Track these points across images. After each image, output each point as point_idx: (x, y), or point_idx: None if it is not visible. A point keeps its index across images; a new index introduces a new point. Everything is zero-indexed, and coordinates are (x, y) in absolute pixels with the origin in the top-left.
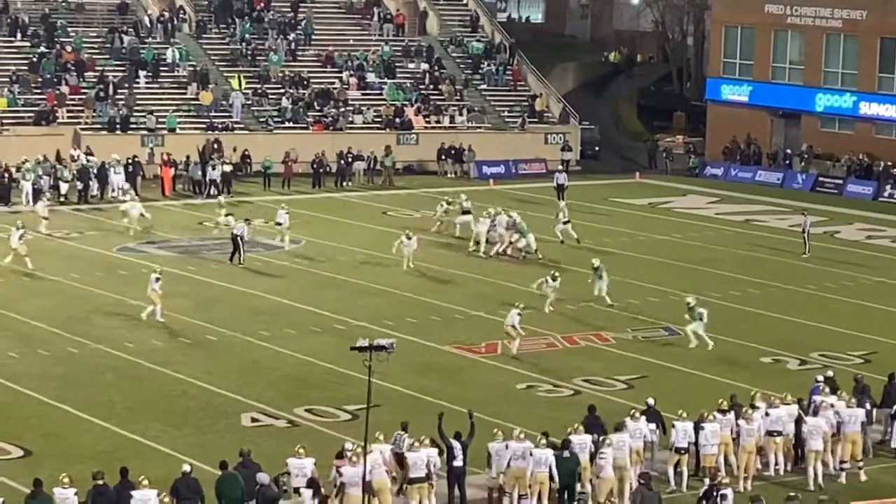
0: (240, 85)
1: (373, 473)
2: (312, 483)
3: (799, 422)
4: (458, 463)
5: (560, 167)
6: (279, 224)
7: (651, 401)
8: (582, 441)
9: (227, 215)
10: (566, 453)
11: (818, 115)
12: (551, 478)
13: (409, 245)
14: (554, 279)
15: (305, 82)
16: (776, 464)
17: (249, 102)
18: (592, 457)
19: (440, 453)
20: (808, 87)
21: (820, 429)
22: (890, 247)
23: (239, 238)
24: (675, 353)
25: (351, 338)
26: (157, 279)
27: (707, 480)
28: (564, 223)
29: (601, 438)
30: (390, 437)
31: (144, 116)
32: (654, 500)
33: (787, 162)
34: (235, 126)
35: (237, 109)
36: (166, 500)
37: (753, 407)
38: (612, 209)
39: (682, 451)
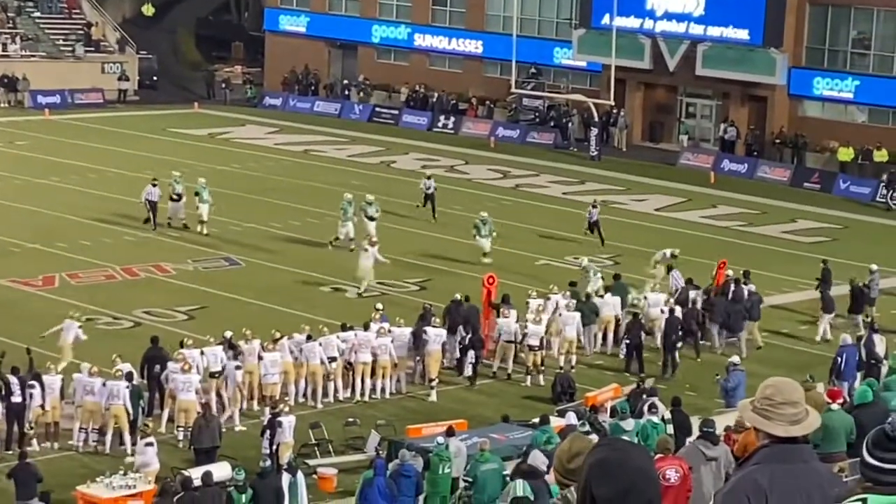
0: None
1: None
2: None
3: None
4: (16, 399)
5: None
6: None
7: (228, 333)
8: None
9: None
10: (130, 385)
11: (374, 47)
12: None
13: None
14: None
15: None
16: (335, 390)
17: None
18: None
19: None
20: (365, 18)
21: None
22: (445, 176)
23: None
24: (236, 283)
25: None
26: None
27: (268, 410)
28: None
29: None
30: None
31: None
32: (215, 429)
33: (346, 93)
34: None
35: None
36: None
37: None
38: (171, 139)
39: (216, 375)
